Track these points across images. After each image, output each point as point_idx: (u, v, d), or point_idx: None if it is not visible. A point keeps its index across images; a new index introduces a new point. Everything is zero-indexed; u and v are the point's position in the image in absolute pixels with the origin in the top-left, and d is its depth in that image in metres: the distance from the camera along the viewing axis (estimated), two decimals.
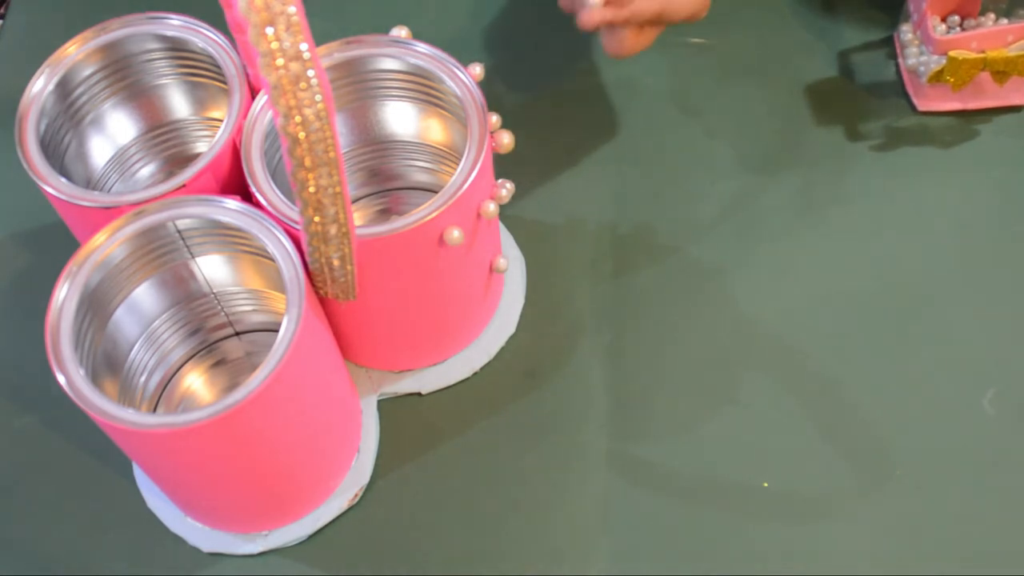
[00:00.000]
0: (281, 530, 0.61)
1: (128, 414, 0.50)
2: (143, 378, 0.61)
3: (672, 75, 0.76)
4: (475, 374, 0.65)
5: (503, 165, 0.62)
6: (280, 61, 0.43)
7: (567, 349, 0.66)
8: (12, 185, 0.73)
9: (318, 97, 0.44)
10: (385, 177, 0.69)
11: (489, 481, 0.62)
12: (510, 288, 0.68)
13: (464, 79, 0.59)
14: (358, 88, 0.63)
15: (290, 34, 0.43)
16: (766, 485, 0.61)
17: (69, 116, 0.62)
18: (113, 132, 0.65)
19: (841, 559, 0.59)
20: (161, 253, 0.57)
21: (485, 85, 0.60)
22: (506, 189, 0.59)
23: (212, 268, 0.60)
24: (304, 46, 0.43)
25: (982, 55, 0.69)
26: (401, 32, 0.60)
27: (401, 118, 0.65)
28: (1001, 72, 0.70)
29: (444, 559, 0.60)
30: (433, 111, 0.63)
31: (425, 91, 0.62)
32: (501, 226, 0.70)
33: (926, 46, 0.72)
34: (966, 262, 0.68)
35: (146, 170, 0.67)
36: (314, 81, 0.44)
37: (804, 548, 0.59)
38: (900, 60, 0.76)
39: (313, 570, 0.60)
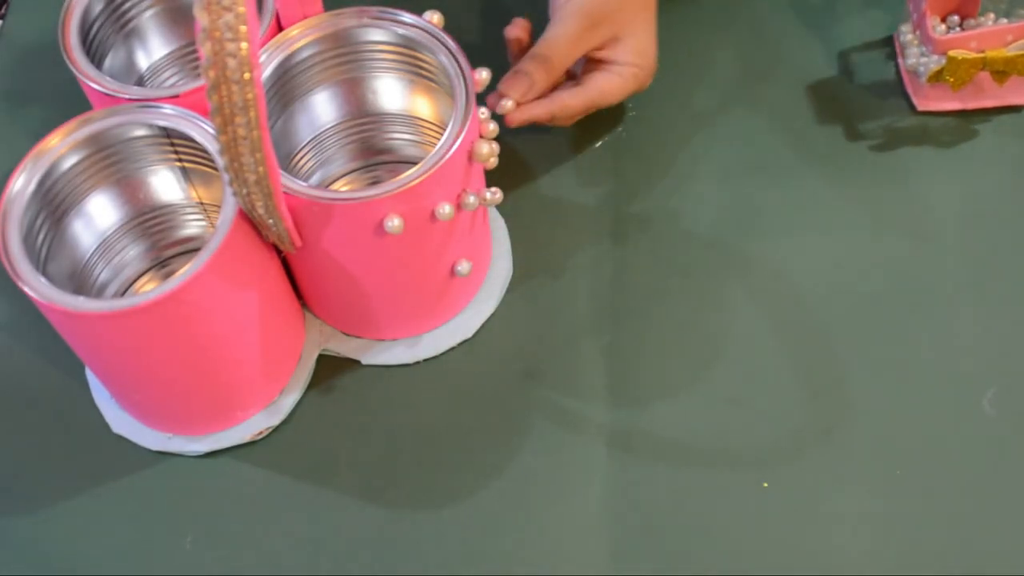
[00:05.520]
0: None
1: (75, 300, 0.52)
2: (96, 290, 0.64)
3: (671, 75, 0.76)
4: (419, 363, 0.66)
5: (503, 167, 0.62)
6: (215, 8, 0.44)
7: (567, 349, 0.66)
8: None
9: (243, 45, 0.45)
10: (378, 150, 0.69)
11: (488, 481, 0.62)
12: (483, 295, 0.68)
13: (451, 47, 0.60)
14: (348, 60, 0.63)
15: None
16: (766, 485, 0.61)
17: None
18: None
19: (841, 559, 0.59)
20: (116, 160, 0.58)
21: (483, 89, 0.60)
22: (474, 197, 0.59)
23: (167, 182, 0.61)
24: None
25: (982, 55, 0.69)
26: (433, 17, 0.61)
27: (390, 91, 0.65)
28: (1001, 72, 0.70)
29: (442, 560, 0.60)
30: (422, 84, 0.64)
31: (413, 64, 0.63)
32: (499, 230, 0.70)
33: (926, 46, 0.72)
34: (965, 262, 0.68)
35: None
36: (243, 29, 0.44)
37: (804, 548, 0.59)
38: (900, 60, 0.76)
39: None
